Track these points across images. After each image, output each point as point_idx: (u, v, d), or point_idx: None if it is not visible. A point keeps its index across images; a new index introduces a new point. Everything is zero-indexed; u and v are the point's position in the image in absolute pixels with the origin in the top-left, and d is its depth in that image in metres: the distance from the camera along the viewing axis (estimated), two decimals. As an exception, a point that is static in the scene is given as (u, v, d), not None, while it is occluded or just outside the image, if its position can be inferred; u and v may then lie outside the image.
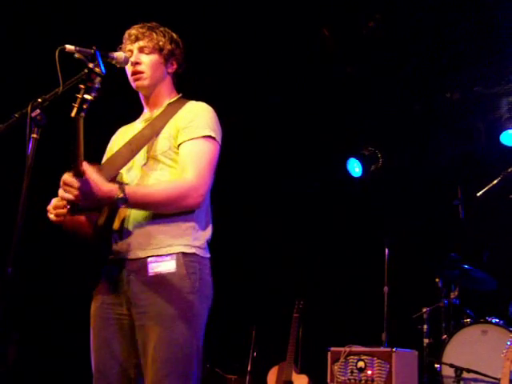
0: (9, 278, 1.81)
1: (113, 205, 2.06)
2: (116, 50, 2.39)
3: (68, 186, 1.97)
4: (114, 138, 2.50)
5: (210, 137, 2.24)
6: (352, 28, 5.00)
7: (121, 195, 1.99)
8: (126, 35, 2.38)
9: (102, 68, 1.92)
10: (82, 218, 2.13)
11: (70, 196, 1.98)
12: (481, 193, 4.57)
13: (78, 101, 1.84)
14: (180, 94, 2.44)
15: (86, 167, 1.95)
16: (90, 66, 1.87)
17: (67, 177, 1.97)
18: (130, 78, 2.36)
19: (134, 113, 2.49)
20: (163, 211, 2.16)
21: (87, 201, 1.98)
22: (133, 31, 2.37)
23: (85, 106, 1.84)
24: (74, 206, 2.06)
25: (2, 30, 4.44)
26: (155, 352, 2.08)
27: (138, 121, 2.45)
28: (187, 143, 2.22)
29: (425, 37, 4.94)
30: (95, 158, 2.20)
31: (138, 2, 4.13)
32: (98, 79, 1.88)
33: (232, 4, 4.64)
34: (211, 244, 2.32)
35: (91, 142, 2.06)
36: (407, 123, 5.82)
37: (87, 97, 1.84)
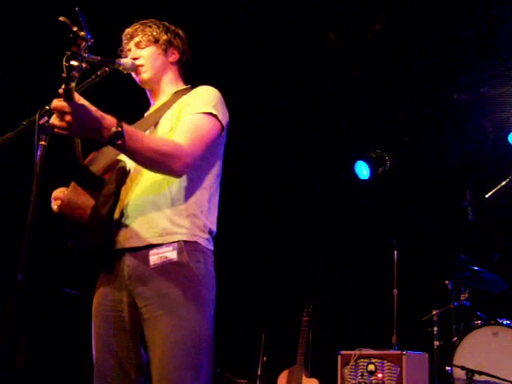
0: (19, 284, 1.81)
1: (106, 140, 1.88)
2: (117, 53, 2.41)
3: (60, 111, 1.78)
4: None
5: (210, 114, 2.19)
6: (358, 31, 5.01)
7: (119, 129, 1.86)
8: (123, 36, 2.40)
9: (87, 31, 1.74)
10: (81, 204, 2.02)
11: (62, 123, 1.80)
12: (489, 194, 4.55)
13: (65, 69, 1.71)
14: (189, 86, 2.42)
15: (80, 98, 1.80)
16: (75, 29, 1.71)
17: (58, 101, 1.77)
18: (134, 76, 2.36)
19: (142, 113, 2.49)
20: (146, 165, 2.07)
21: (81, 128, 1.81)
22: (127, 30, 2.39)
23: (74, 74, 1.73)
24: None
25: (8, 36, 4.47)
26: (165, 343, 2.02)
27: (145, 115, 2.43)
28: (187, 117, 2.18)
29: (431, 38, 4.94)
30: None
31: (141, 5, 4.16)
32: (83, 44, 1.73)
33: (237, 6, 4.66)
34: (221, 248, 2.30)
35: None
36: (414, 125, 5.81)
37: (74, 63, 1.71)
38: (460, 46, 4.99)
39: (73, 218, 2.02)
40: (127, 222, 2.13)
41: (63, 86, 1.74)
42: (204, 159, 2.18)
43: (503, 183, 4.52)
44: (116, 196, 2.10)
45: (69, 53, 1.72)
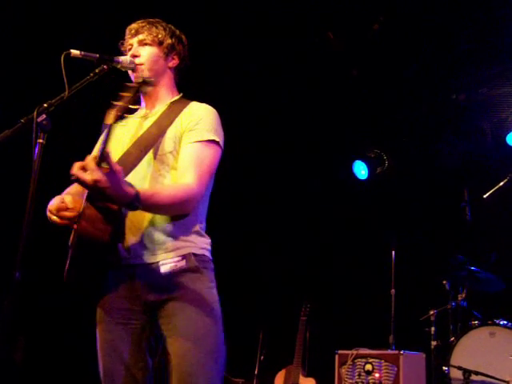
0: (17, 281, 1.82)
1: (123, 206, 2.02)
2: (118, 46, 2.40)
3: (96, 181, 1.85)
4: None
5: (213, 141, 2.24)
6: (357, 31, 5.01)
7: (136, 203, 1.96)
8: (127, 30, 2.38)
9: (154, 77, 1.96)
10: (100, 221, 2.06)
11: (87, 178, 1.85)
12: (487, 194, 4.56)
13: (122, 108, 1.83)
14: (181, 94, 2.43)
15: (115, 164, 1.89)
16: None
17: (97, 172, 1.84)
18: (130, 74, 2.34)
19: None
20: (163, 214, 2.18)
21: (102, 194, 1.88)
22: (133, 25, 2.38)
23: (127, 116, 1.85)
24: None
25: (8, 34, 4.46)
26: (187, 347, 2.10)
27: (133, 116, 2.40)
28: (190, 145, 2.21)
29: (430, 38, 4.94)
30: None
31: (142, 4, 4.16)
32: (145, 88, 1.93)
33: (236, 5, 4.66)
34: (218, 247, 2.33)
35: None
36: (413, 125, 5.81)
37: (133, 107, 1.86)
38: (459, 47, 4.99)
39: (93, 235, 2.03)
40: (136, 242, 2.17)
41: (110, 121, 1.83)
42: None
43: (501, 183, 4.53)
44: (118, 213, 2.09)
45: (127, 94, 1.86)
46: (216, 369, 2.14)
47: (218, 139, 2.25)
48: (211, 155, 2.23)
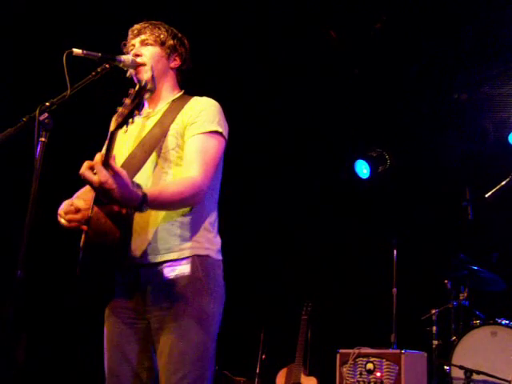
0: (19, 280, 1.82)
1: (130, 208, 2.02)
2: (120, 47, 2.41)
3: (103, 182, 1.85)
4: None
5: (216, 132, 2.24)
6: (359, 30, 5.01)
7: (144, 206, 1.96)
8: (130, 31, 2.40)
9: (155, 83, 1.98)
10: (110, 224, 2.05)
11: (94, 178, 1.85)
12: (489, 194, 4.55)
13: (124, 115, 1.83)
14: (183, 91, 2.44)
15: (119, 168, 1.89)
16: (143, 82, 1.87)
17: (104, 175, 1.84)
18: (132, 73, 2.34)
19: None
20: (171, 210, 2.18)
21: (109, 196, 1.88)
22: (136, 26, 2.40)
23: (131, 121, 1.85)
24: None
25: (10, 32, 4.47)
26: (171, 355, 2.10)
27: (138, 116, 2.43)
28: (194, 138, 2.21)
29: (431, 37, 4.94)
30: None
31: (145, 5, 4.17)
32: (147, 95, 1.89)
33: (237, 5, 4.66)
34: (221, 245, 2.33)
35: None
36: (415, 124, 5.81)
37: (137, 112, 1.85)
38: (460, 46, 4.99)
39: (102, 238, 2.03)
40: (142, 240, 2.17)
41: (112, 128, 1.84)
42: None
43: (503, 183, 4.51)
44: (126, 215, 2.09)
45: (129, 101, 1.85)
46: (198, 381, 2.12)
47: (220, 130, 2.24)
48: (215, 146, 2.22)
